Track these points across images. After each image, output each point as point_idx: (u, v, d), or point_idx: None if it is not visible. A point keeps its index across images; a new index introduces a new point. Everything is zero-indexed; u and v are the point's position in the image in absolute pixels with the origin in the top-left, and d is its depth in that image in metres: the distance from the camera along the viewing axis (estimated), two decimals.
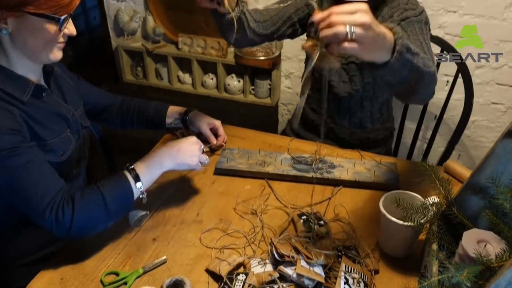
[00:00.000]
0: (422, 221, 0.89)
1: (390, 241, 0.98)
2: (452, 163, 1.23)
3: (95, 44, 3.42)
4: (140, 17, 2.40)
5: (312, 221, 1.04)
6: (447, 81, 2.07)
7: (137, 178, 0.97)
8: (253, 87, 2.33)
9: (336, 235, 1.03)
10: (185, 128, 1.31)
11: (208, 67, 2.41)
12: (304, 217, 1.06)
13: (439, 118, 1.70)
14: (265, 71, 2.25)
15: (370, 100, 1.40)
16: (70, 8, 0.91)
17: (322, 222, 1.05)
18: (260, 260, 0.95)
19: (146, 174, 0.99)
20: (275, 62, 2.19)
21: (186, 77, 2.46)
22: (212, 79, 2.40)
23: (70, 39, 0.99)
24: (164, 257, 0.98)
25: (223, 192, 1.18)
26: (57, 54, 0.97)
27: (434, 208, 0.91)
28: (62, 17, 0.90)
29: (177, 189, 1.19)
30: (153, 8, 2.36)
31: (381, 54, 0.81)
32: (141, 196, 0.99)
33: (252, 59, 2.17)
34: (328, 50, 0.79)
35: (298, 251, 0.92)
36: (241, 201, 1.14)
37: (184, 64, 2.44)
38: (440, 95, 2.11)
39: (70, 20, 0.94)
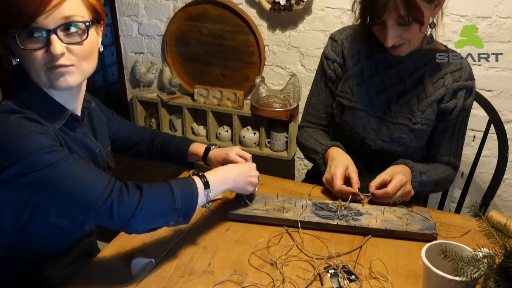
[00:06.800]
0: (475, 275, 0.75)
1: None
2: (496, 214, 1.09)
3: (111, 99, 3.45)
4: (157, 69, 2.41)
5: (341, 275, 0.90)
6: (474, 136, 1.98)
7: (203, 177, 0.96)
8: (269, 139, 2.26)
9: None
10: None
11: (223, 119, 2.36)
12: (332, 270, 0.92)
13: (468, 176, 1.58)
14: (282, 123, 2.18)
15: (408, 157, 1.25)
16: (25, 19, 0.77)
17: (353, 277, 0.91)
18: None
19: (215, 181, 0.98)
20: (293, 114, 2.13)
21: (201, 129, 2.40)
22: (227, 131, 2.34)
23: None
24: None
25: (238, 240, 1.05)
26: (60, 80, 0.84)
27: (488, 260, 0.77)
28: (17, 32, 0.78)
29: (186, 236, 1.06)
30: (170, 60, 2.37)
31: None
32: (206, 204, 0.97)
33: (269, 110, 2.12)
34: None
35: None
36: (258, 251, 1.01)
37: (199, 115, 2.40)
38: (466, 151, 2.01)
39: (55, 38, 0.79)
